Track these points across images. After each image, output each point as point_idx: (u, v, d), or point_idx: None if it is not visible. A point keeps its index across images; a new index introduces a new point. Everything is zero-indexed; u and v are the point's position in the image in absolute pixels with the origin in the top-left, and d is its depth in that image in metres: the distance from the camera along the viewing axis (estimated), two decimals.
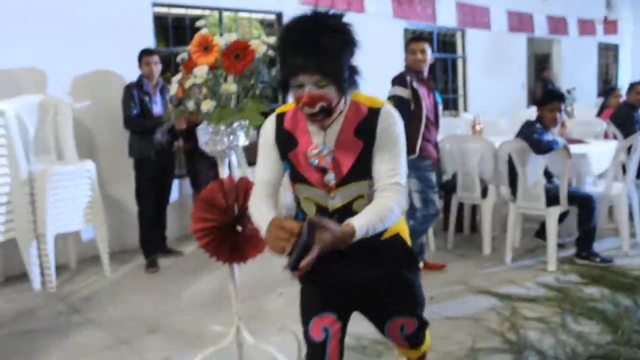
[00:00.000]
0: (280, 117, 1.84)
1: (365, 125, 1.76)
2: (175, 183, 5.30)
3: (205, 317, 3.55)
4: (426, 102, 3.76)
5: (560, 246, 4.50)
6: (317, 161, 1.79)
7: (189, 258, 4.83)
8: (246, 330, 2.48)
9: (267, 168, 1.87)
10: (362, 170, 1.79)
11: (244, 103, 2.10)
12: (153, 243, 4.67)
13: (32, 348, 3.23)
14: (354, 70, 1.71)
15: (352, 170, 1.79)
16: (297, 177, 1.86)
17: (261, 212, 1.79)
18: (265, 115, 1.96)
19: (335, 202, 1.82)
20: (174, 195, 5.21)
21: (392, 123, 1.77)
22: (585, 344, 2.98)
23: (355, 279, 1.91)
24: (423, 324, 2.05)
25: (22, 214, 4.07)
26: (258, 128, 1.96)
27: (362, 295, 1.94)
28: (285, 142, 1.83)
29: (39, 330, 3.49)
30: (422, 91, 3.73)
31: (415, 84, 3.70)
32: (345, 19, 1.68)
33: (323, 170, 1.80)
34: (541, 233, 4.60)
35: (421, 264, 4.00)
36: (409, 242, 2.01)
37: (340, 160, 1.79)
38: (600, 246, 4.36)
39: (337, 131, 1.78)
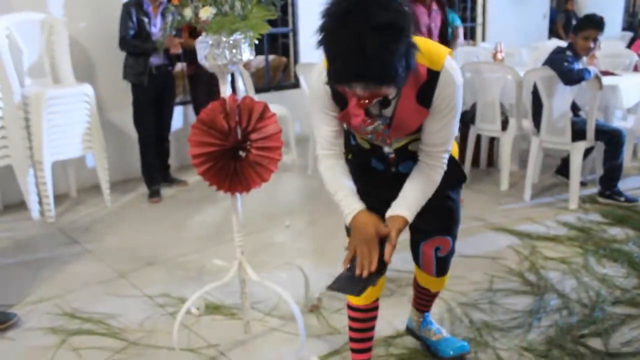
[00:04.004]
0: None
1: (427, 91, 1.58)
2: (179, 110, 5.07)
3: (208, 250, 3.39)
4: (424, 23, 3.42)
5: (582, 184, 4.28)
6: (373, 137, 1.69)
7: (192, 188, 4.66)
8: (249, 265, 2.30)
9: (327, 122, 1.71)
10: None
11: (247, 10, 1.83)
12: (155, 172, 4.48)
13: (31, 278, 3.10)
14: (409, 57, 1.39)
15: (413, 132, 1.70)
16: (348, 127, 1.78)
17: (340, 194, 1.72)
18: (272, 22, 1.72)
19: (391, 147, 1.77)
20: (177, 122, 4.99)
21: (453, 90, 1.59)
22: (610, 288, 2.80)
23: None
24: (454, 248, 2.03)
25: (16, 139, 3.87)
26: (259, 39, 1.74)
27: None
28: (335, 99, 1.66)
29: (38, 261, 3.35)
30: (419, 11, 3.37)
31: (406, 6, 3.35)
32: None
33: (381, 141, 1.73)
34: (562, 170, 4.37)
35: None
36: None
37: (402, 127, 1.65)
38: (623, 185, 4.12)
39: (396, 99, 1.60)
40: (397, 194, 1.73)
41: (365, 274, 1.56)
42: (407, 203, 1.69)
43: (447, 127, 1.65)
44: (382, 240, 1.61)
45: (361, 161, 1.85)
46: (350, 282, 1.57)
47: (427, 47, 1.54)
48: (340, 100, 1.64)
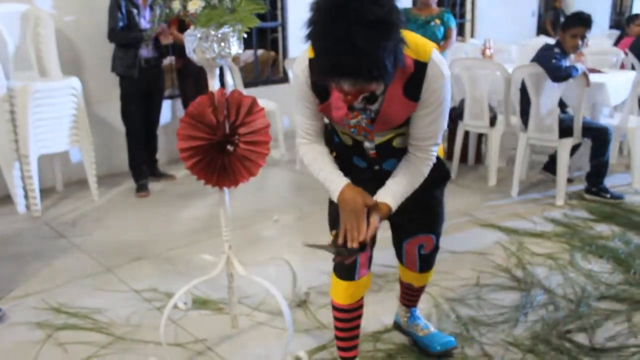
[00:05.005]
0: (313, 63, 1.52)
1: (414, 83, 1.57)
2: (167, 103, 5.04)
3: (195, 244, 3.38)
4: None
5: (569, 181, 4.31)
6: (356, 130, 1.69)
7: (181, 182, 4.64)
8: (237, 260, 2.30)
9: (307, 115, 1.74)
10: (407, 122, 1.68)
11: (236, 3, 1.82)
12: (143, 166, 4.45)
13: (17, 273, 3.08)
14: (397, 52, 1.40)
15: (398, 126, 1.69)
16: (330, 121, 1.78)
17: (324, 171, 1.74)
18: (261, 17, 1.71)
19: (372, 143, 1.75)
20: (165, 116, 4.96)
21: (442, 83, 1.57)
22: (596, 283, 2.83)
23: None
24: (438, 244, 2.04)
25: (2, 133, 3.82)
26: (248, 33, 1.74)
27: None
28: (316, 91, 1.64)
29: (23, 255, 3.32)
30: None
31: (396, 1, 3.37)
32: None
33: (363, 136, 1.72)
34: (549, 166, 4.40)
35: None
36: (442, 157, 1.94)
37: (388, 121, 1.64)
38: (609, 182, 4.16)
39: (383, 92, 1.59)
40: (373, 192, 1.74)
41: (355, 244, 1.59)
42: (393, 191, 1.70)
43: (436, 121, 1.64)
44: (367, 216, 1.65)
45: (344, 159, 1.84)
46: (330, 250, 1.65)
47: (413, 39, 1.54)
48: (321, 92, 1.64)
